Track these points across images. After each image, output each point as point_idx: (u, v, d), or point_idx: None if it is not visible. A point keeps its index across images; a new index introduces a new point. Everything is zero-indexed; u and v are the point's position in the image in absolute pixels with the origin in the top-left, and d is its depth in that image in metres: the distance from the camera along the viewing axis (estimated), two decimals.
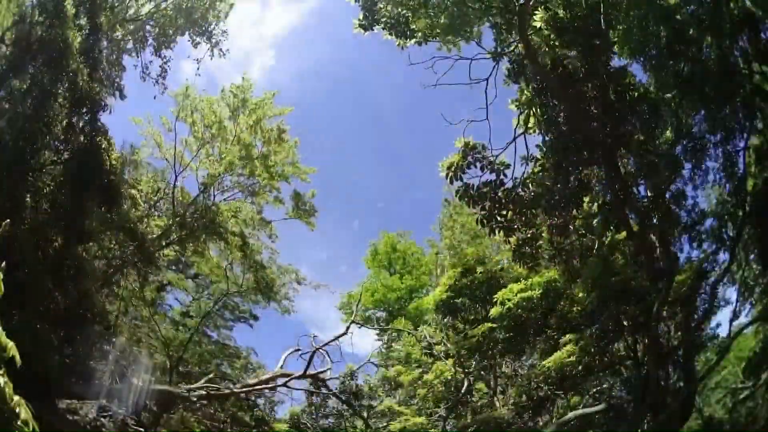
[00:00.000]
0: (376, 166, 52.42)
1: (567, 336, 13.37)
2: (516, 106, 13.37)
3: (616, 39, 12.89)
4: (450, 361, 18.19)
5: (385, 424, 19.33)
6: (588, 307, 13.09)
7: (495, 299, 15.12)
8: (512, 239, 12.57)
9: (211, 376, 20.63)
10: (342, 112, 51.19)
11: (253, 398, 20.65)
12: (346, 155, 52.40)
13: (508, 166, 12.10)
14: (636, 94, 11.50)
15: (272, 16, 45.58)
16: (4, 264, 4.30)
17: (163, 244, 20.96)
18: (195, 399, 17.14)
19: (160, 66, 20.11)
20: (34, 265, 11.07)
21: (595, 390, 14.98)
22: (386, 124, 51.15)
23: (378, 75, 49.10)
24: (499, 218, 11.99)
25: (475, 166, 12.00)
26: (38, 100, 12.25)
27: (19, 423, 3.87)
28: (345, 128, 51.74)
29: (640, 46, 13.23)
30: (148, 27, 20.14)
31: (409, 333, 23.90)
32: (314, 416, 20.88)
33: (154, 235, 20.47)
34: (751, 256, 13.82)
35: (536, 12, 11.78)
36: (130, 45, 20.05)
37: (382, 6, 13.66)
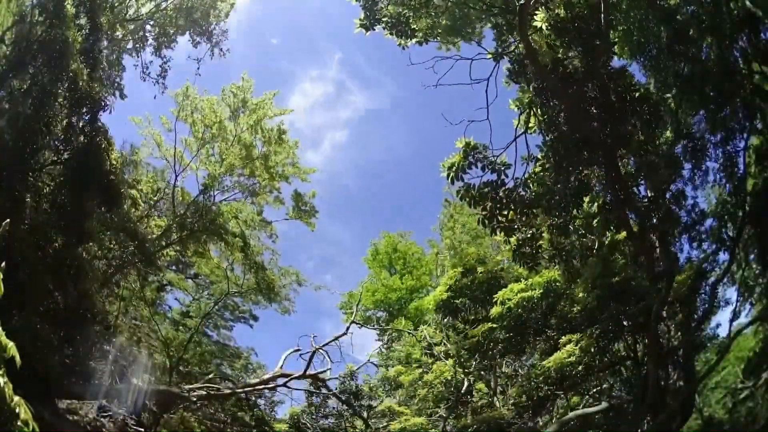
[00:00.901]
0: (377, 166, 53.52)
1: (567, 336, 13.34)
2: (516, 106, 13.36)
3: (616, 39, 12.89)
4: (450, 361, 18.17)
5: (385, 424, 19.30)
6: (588, 307, 13.08)
7: (495, 299, 15.10)
8: (512, 239, 12.56)
9: (211, 376, 20.65)
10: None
11: (253, 398, 20.63)
12: (348, 156, 53.37)
13: (509, 166, 12.05)
14: (636, 94, 11.49)
15: (351, 99, 50.72)
16: (4, 264, 4.29)
17: (163, 244, 20.96)
18: (195, 399, 17.14)
19: (160, 66, 20.19)
20: (34, 265, 11.06)
21: (595, 390, 14.97)
22: (387, 125, 52.12)
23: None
24: (500, 218, 11.95)
25: (476, 166, 11.94)
26: (38, 100, 12.24)
27: (18, 423, 3.87)
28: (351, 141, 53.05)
29: (640, 47, 13.24)
30: (148, 27, 20.17)
31: (409, 333, 23.88)
32: (314, 416, 20.85)
33: (154, 235, 20.48)
34: (751, 256, 13.83)
35: (537, 12, 11.77)
36: (130, 45, 20.10)
37: (383, 6, 13.65)
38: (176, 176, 22.12)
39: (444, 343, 19.18)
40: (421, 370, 20.03)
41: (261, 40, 46.58)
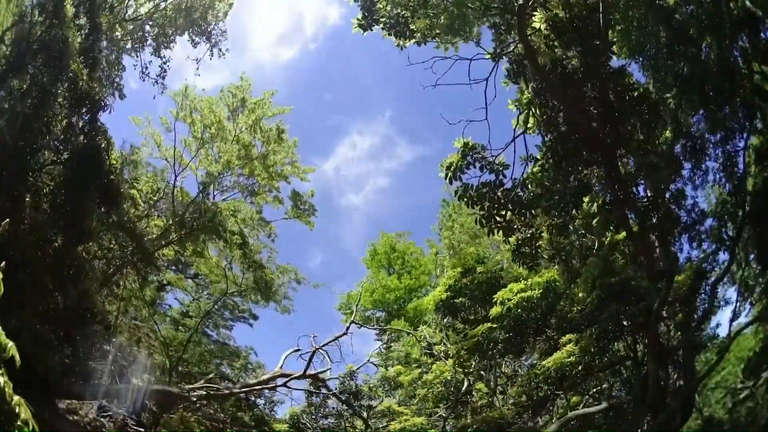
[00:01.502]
0: (416, 209, 54.80)
1: (567, 336, 13.35)
2: (516, 106, 13.37)
3: (615, 39, 12.89)
4: (450, 361, 18.16)
5: (384, 424, 19.31)
6: (588, 307, 13.08)
7: (495, 299, 15.10)
8: (512, 239, 12.57)
9: (210, 376, 20.61)
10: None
11: (253, 398, 20.63)
12: (388, 200, 54.93)
13: (507, 166, 12.08)
14: (636, 94, 11.49)
15: (396, 151, 53.56)
16: (3, 264, 4.28)
17: (163, 243, 20.94)
18: (195, 399, 17.12)
19: (159, 66, 20.21)
20: (34, 265, 11.05)
21: (595, 390, 14.97)
22: (386, 122, 52.73)
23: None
24: (498, 218, 11.97)
25: (474, 167, 11.97)
26: (38, 100, 12.24)
27: (18, 423, 3.86)
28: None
29: (640, 46, 13.23)
30: (147, 27, 20.19)
31: (408, 333, 23.87)
32: (314, 416, 20.85)
33: (154, 235, 20.47)
34: (751, 256, 13.80)
35: (535, 12, 11.78)
36: (129, 45, 20.11)
37: (381, 6, 13.65)
38: (176, 176, 22.14)
39: (444, 343, 19.18)
40: (420, 370, 20.03)
41: (315, 95, 50.07)
